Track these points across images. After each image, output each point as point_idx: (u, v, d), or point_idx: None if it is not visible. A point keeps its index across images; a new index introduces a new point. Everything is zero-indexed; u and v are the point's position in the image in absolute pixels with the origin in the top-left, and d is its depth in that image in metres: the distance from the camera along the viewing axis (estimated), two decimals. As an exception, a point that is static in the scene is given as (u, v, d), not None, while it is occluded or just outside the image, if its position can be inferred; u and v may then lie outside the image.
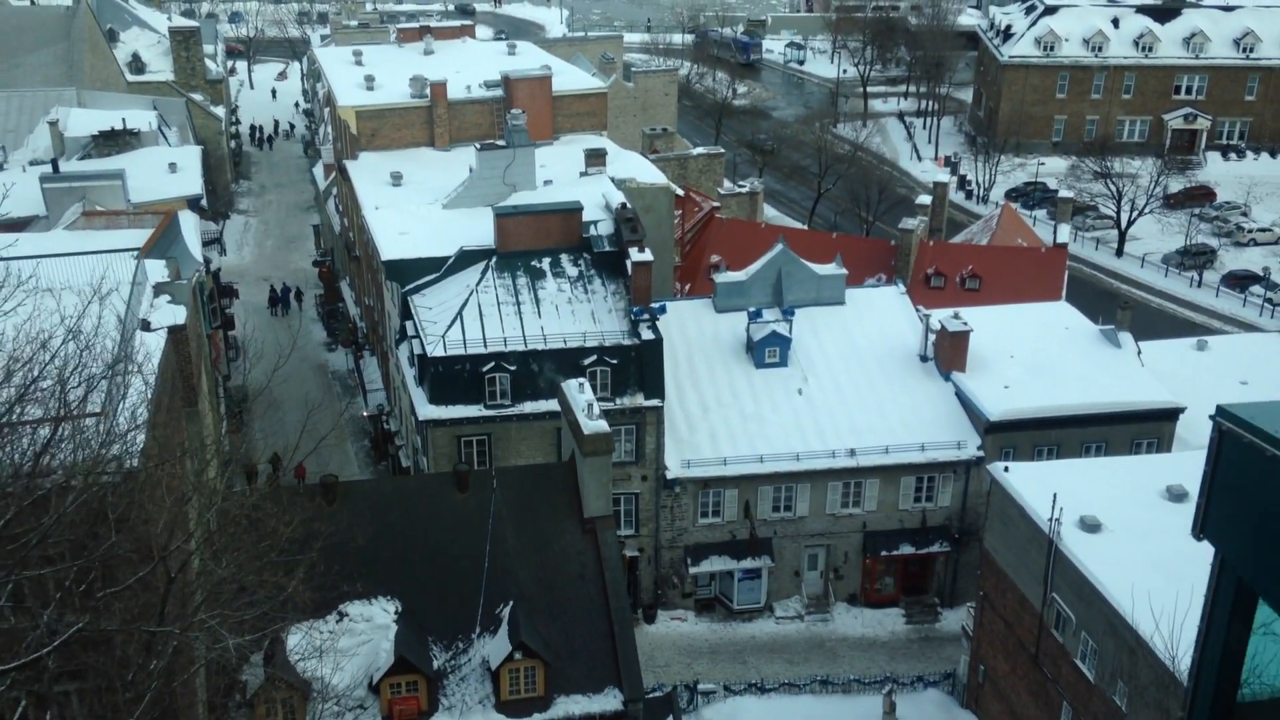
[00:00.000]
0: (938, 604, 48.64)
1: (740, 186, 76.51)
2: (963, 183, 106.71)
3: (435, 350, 45.56)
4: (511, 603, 33.86)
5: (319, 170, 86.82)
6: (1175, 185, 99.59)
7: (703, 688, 42.54)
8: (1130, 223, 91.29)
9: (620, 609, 34.65)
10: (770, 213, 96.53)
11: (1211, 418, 4.64)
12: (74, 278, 32.80)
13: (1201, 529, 4.75)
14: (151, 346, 31.52)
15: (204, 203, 68.08)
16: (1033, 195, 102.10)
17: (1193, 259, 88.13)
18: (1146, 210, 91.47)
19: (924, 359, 50.37)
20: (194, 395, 34.71)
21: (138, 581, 17.42)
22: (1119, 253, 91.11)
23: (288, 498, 29.33)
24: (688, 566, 47.16)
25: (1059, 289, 63.68)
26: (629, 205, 49.75)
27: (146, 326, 32.16)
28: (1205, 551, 33.12)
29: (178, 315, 32.75)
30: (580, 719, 32.71)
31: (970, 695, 42.40)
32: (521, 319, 46.79)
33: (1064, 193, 74.70)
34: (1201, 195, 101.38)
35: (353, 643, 32.71)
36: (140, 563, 19.12)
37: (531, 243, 48.67)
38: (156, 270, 36.84)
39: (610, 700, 32.97)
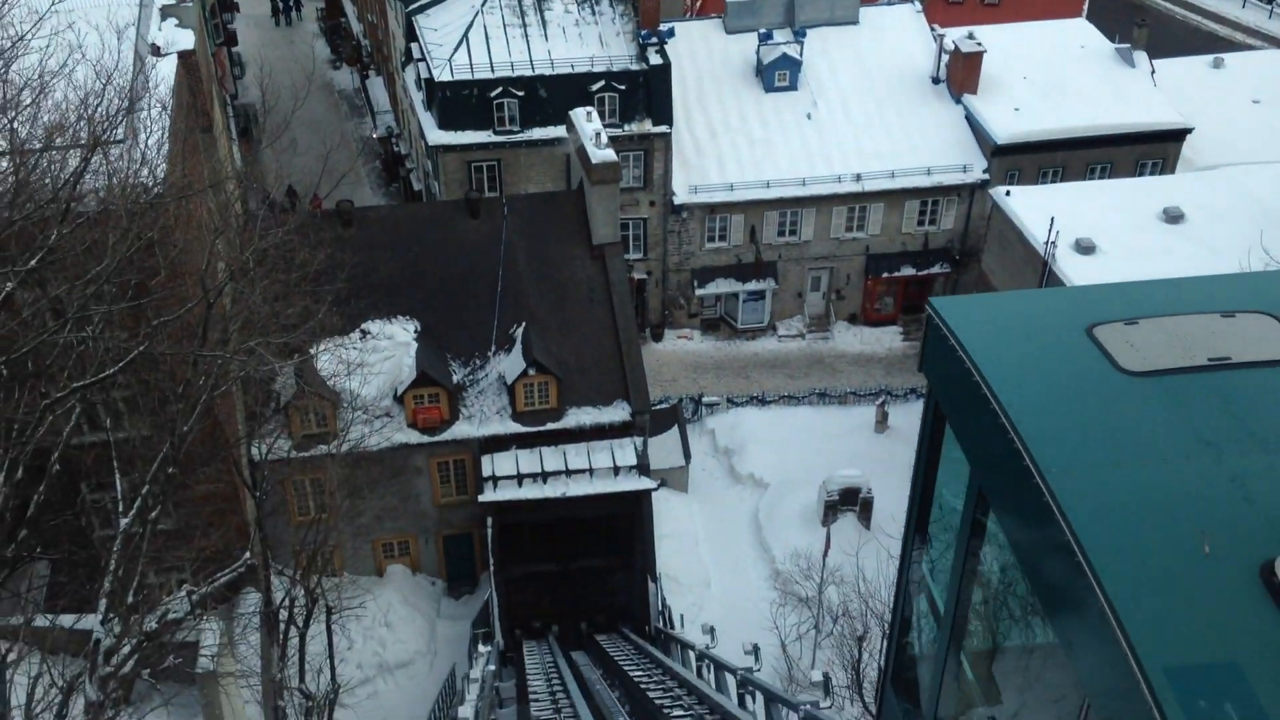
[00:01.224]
0: (934, 322, 50.59)
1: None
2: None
3: (442, 74, 45.44)
4: (524, 323, 35.73)
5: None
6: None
7: (707, 400, 45.21)
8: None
9: (627, 329, 36.56)
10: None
11: (928, 303, 5.06)
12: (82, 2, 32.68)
13: (920, 367, 5.13)
14: (163, 72, 31.75)
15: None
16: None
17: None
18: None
19: (936, 81, 49.87)
20: (209, 120, 35.30)
21: (181, 306, 18.97)
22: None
23: (309, 226, 30.57)
24: (694, 288, 48.88)
25: (1079, 7, 62.04)
26: (637, -81, 48.00)
27: (156, 52, 32.29)
28: (1193, 273, 34.80)
29: (187, 39, 32.76)
30: (591, 428, 35.21)
31: (959, 407, 45.03)
32: (528, 42, 46.32)
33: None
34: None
35: (377, 358, 34.84)
36: (178, 288, 20.63)
37: (537, -41, 47.38)
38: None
39: (619, 412, 35.39)
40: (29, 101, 20.55)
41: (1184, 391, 4.54)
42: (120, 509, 17.48)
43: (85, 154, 20.18)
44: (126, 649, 16.31)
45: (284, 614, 27.98)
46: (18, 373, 17.57)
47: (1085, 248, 36.96)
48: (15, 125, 19.66)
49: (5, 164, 20.26)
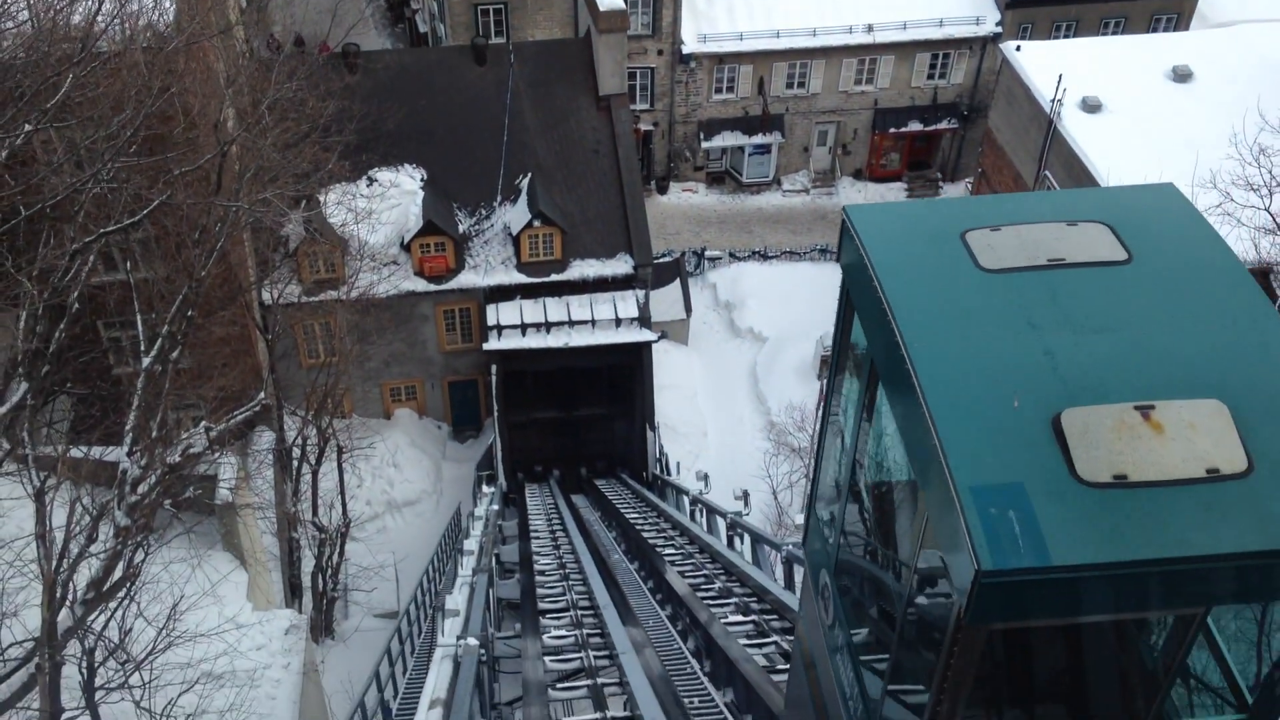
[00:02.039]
0: (940, 178, 50.61)
1: None
2: None
3: (448, -87, 44.43)
4: (530, 174, 35.95)
5: None
6: None
7: (709, 254, 45.68)
8: None
9: (632, 182, 36.78)
10: None
11: (844, 209, 6.22)
12: None
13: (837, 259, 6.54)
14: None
15: None
16: None
17: None
18: None
19: (952, -71, 48.64)
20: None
21: (196, 155, 19.38)
22: None
23: (316, 71, 30.49)
24: (700, 141, 48.76)
25: None
26: None
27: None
28: (1197, 134, 34.23)
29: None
30: (594, 280, 35.80)
31: (958, 264, 45.51)
32: (536, -120, 45.13)
33: None
34: None
35: (384, 206, 35.19)
36: (192, 135, 21.00)
37: None
38: None
39: (622, 264, 35.93)
40: None
41: (1023, 285, 5.72)
42: (143, 348, 18.30)
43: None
44: (152, 479, 17.36)
45: (297, 452, 29.17)
46: (38, 217, 18.15)
47: (1091, 106, 36.78)
48: None
49: (24, 11, 20.42)
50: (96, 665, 14.01)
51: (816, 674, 7.95)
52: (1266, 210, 27.12)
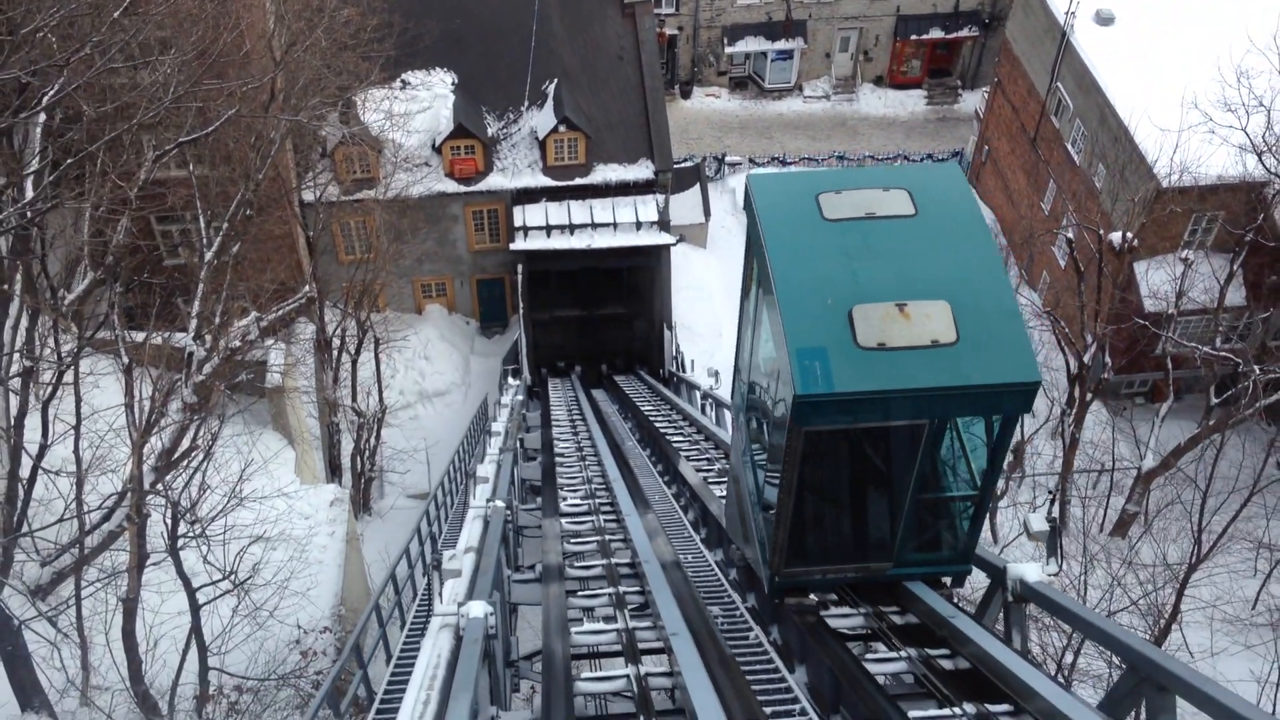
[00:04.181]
0: (959, 86, 51.36)
1: None
2: None
3: None
4: (556, 79, 37.21)
5: None
6: None
7: (730, 159, 46.94)
8: None
9: (654, 89, 38.00)
10: None
11: (748, 177, 9.85)
12: None
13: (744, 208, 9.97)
14: None
15: None
16: None
17: None
18: None
19: None
20: None
21: (245, 66, 21.03)
22: None
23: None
24: (724, 46, 49.59)
25: None
26: None
27: None
28: (1210, 42, 34.90)
29: None
30: (616, 184, 37.29)
31: (973, 171, 46.64)
32: None
33: None
34: None
35: (416, 108, 36.65)
36: (244, 45, 22.57)
37: None
38: None
39: (643, 170, 37.35)
40: None
41: (848, 230, 9.04)
42: (204, 242, 20.21)
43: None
44: (215, 361, 19.41)
45: (336, 342, 31.27)
46: (112, 120, 19.92)
47: (1105, 19, 37.56)
48: None
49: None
50: (179, 517, 16.23)
51: (737, 480, 12.03)
52: (1244, 130, 28.30)
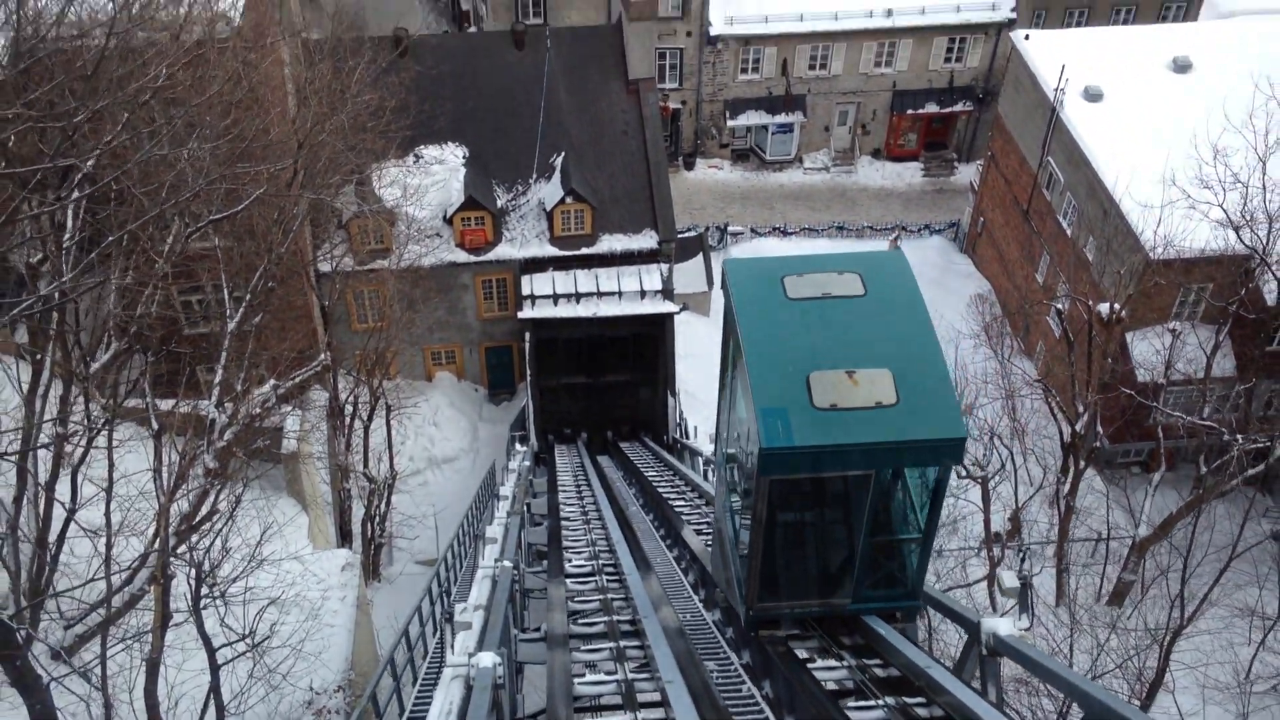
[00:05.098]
0: (955, 159, 52.73)
1: None
2: None
3: (490, -99, 46.78)
4: (564, 153, 38.53)
5: None
6: None
7: (732, 229, 48.16)
8: None
9: (658, 162, 39.28)
10: None
11: (724, 262, 11.87)
12: None
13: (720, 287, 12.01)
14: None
15: None
16: None
17: None
18: None
19: (974, -84, 50.41)
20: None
21: (268, 143, 22.23)
22: None
23: (368, 49, 33.08)
24: (726, 119, 51.10)
25: None
26: None
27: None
28: (1189, 123, 36.18)
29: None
30: (621, 254, 38.43)
31: (969, 242, 47.80)
32: None
33: None
34: None
35: (429, 181, 37.92)
36: (267, 120, 23.76)
37: None
38: None
39: (647, 239, 38.52)
40: None
41: (807, 307, 10.72)
42: (228, 312, 21.20)
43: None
44: (236, 428, 20.29)
45: (349, 409, 32.16)
46: (137, 197, 21.00)
47: (1093, 95, 38.88)
48: None
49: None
50: (202, 579, 16.99)
51: (719, 528, 13.67)
52: (1220, 206, 29.38)
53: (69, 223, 19.66)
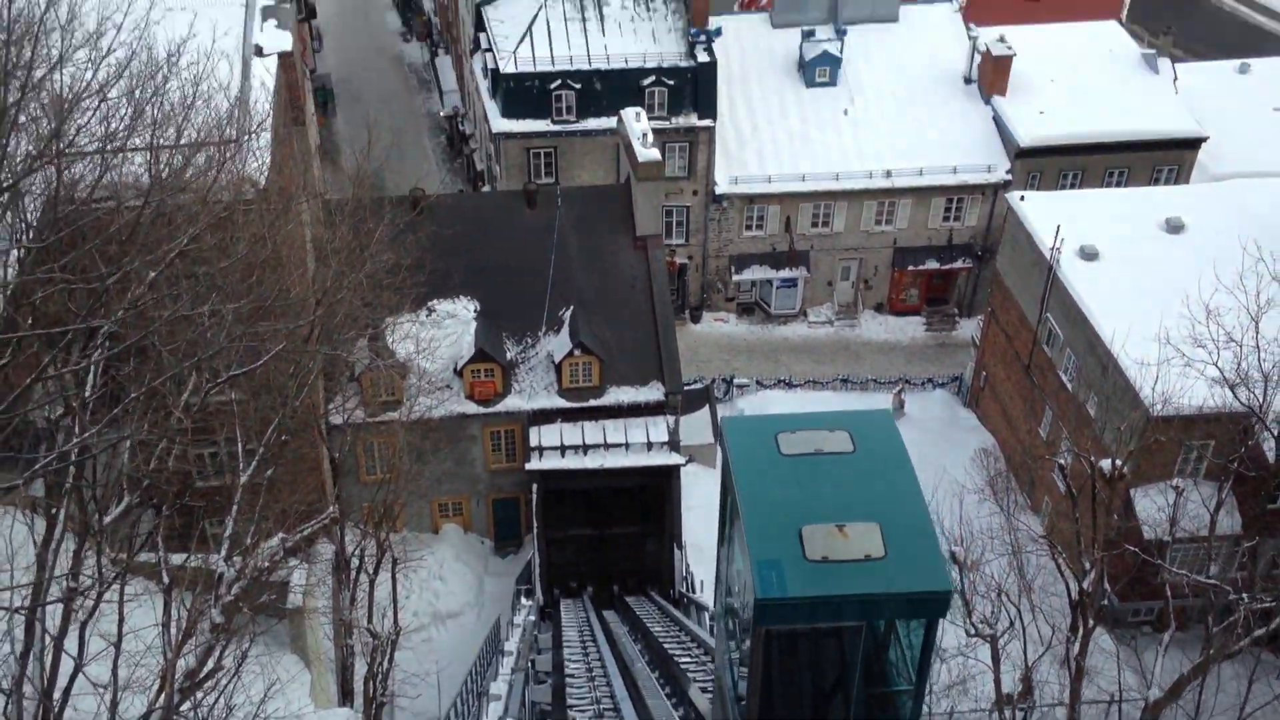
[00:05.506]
0: (956, 314, 53.73)
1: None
2: None
3: (507, 66, 49.03)
4: (572, 307, 39.45)
5: None
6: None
7: (738, 381, 48.82)
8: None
9: (665, 316, 40.17)
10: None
11: (722, 421, 13.23)
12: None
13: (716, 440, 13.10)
14: (264, 71, 35.17)
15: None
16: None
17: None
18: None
19: (968, 81, 52.58)
20: (302, 114, 39.07)
21: (286, 301, 22.98)
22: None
23: (388, 210, 34.31)
24: (731, 274, 52.38)
25: (1119, 3, 64.16)
26: (691, -77, 51.03)
27: (259, 52, 35.85)
28: (1186, 281, 36.77)
29: (286, 41, 36.11)
30: (629, 405, 38.96)
31: (972, 396, 48.33)
32: (586, 37, 49.75)
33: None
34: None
35: (441, 334, 38.71)
36: (286, 280, 24.58)
37: (596, -42, 50.62)
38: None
39: (654, 391, 39.10)
40: (172, 112, 23.91)
41: (799, 463, 11.35)
42: (241, 465, 21.57)
43: (218, 154, 23.99)
44: (244, 582, 20.40)
45: (355, 562, 32.13)
46: (156, 352, 21.58)
47: (1089, 254, 39.91)
48: (156, 140, 23.08)
49: (140, 163, 23.91)
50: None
51: (720, 678, 14.17)
52: (1215, 365, 29.93)
53: (90, 379, 20.21)
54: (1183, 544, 33.30)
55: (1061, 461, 32.32)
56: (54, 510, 19.61)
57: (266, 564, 21.33)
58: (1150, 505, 33.90)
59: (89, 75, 19.74)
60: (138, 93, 21.00)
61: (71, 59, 19.80)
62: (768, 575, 10.31)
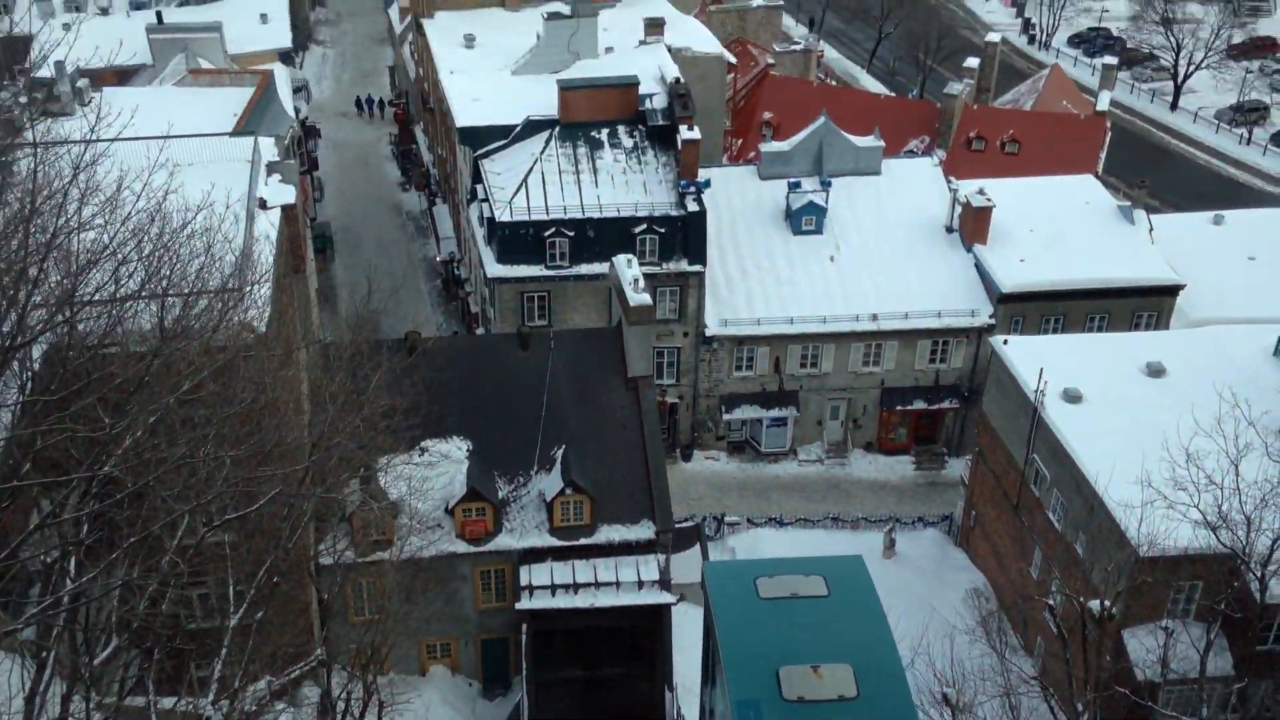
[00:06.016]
0: (945, 453, 54.27)
1: (795, 45, 78.77)
2: (1027, 25, 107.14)
3: (503, 215, 50.66)
4: (564, 446, 39.92)
5: (394, 11, 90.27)
6: (1239, 36, 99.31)
7: (729, 519, 49.00)
8: (1186, 76, 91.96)
9: (656, 455, 40.63)
10: (831, 54, 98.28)
11: (705, 566, 13.65)
12: (196, 155, 37.76)
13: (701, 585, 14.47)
14: (268, 223, 36.68)
15: (294, 55, 73.07)
16: (1094, 42, 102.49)
17: (1244, 115, 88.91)
18: (1204, 65, 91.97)
19: (950, 230, 54.32)
20: (302, 262, 40.33)
21: (282, 444, 23.55)
22: (1173, 106, 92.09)
23: (385, 354, 35.13)
24: (722, 413, 53.11)
25: (1095, 157, 66.44)
26: (682, 80, 53.48)
27: (264, 205, 37.40)
28: (1168, 424, 37.46)
29: (288, 194, 37.78)
30: (620, 544, 39.09)
31: (962, 536, 48.48)
32: (580, 188, 51.55)
33: (1110, 60, 75.92)
34: (1266, 47, 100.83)
35: (432, 474, 39.06)
36: (283, 421, 25.19)
37: (591, 114, 52.90)
38: (268, 149, 41.94)
39: (645, 530, 39.29)
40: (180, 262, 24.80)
41: (777, 606, 13.36)
42: (231, 607, 21.76)
43: (222, 303, 24.88)
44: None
45: (341, 705, 31.85)
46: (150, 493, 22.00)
47: (1072, 397, 40.66)
48: (165, 286, 23.83)
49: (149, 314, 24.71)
50: None
51: None
52: (1196, 507, 30.41)
53: (85, 524, 20.58)
54: (1174, 685, 33.14)
55: (1051, 603, 32.43)
56: (44, 654, 19.75)
57: (254, 707, 21.30)
58: (1140, 647, 33.85)
59: (106, 237, 20.72)
60: (146, 249, 21.94)
61: (90, 224, 20.79)
62: (746, 714, 11.40)
